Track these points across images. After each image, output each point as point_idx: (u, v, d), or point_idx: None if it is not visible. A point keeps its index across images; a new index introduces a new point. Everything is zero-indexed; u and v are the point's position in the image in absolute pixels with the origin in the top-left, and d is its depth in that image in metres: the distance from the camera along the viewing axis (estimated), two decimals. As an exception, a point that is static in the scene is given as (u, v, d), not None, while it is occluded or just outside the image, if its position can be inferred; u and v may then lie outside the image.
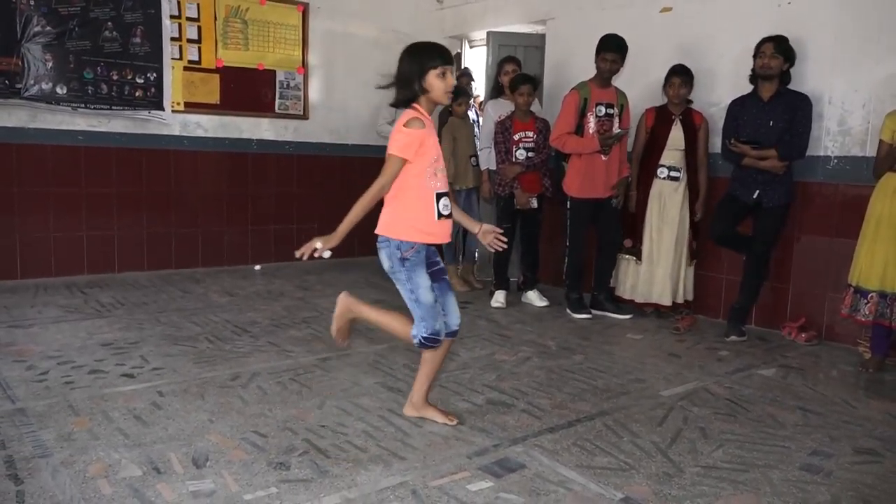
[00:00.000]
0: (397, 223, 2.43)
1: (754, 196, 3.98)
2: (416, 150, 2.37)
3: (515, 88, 4.67)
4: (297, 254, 2.34)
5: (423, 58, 2.39)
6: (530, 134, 4.70)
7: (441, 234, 2.49)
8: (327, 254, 2.35)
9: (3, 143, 4.87)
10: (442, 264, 2.59)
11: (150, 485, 2.10)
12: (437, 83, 2.38)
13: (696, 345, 3.96)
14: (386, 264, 2.49)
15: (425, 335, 2.47)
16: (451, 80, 2.40)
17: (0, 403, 2.70)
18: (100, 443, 2.37)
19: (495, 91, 5.23)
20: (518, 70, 5.03)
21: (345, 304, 2.68)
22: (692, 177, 4.35)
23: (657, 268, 4.39)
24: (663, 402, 3.00)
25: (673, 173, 4.32)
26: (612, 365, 3.51)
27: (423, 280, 2.45)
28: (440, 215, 2.44)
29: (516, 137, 4.70)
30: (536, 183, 4.75)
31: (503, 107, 4.97)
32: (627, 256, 4.52)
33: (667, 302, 4.40)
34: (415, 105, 2.43)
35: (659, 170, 4.34)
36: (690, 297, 4.50)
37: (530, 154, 4.69)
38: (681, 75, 4.23)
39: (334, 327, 2.71)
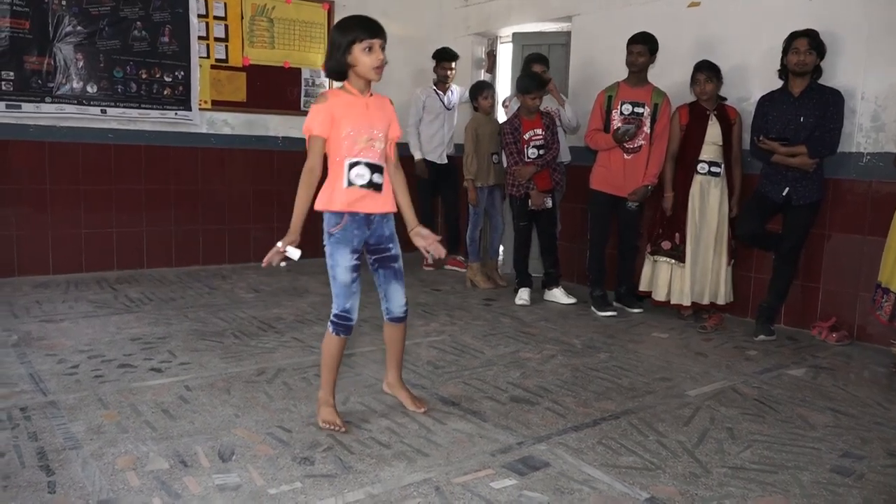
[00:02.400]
0: (322, 194, 2.45)
1: (784, 193, 3.91)
2: (325, 124, 2.37)
3: (528, 92, 4.59)
4: (264, 263, 2.37)
5: (349, 30, 2.35)
6: (539, 131, 4.66)
7: (354, 203, 2.42)
8: (295, 254, 2.36)
9: (35, 142, 4.97)
10: (393, 251, 2.56)
11: (177, 478, 2.13)
12: (363, 58, 2.35)
13: (724, 344, 3.91)
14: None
15: (335, 312, 2.47)
16: (380, 56, 2.35)
17: (33, 396, 2.75)
18: (128, 436, 2.41)
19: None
20: (546, 70, 5.00)
21: (323, 412, 2.57)
22: (729, 173, 4.24)
23: (701, 267, 4.26)
24: (690, 401, 2.96)
25: (714, 168, 4.20)
26: (637, 363, 3.48)
27: (344, 260, 2.45)
28: (349, 183, 2.41)
29: (526, 137, 4.66)
30: (548, 179, 4.73)
31: None
32: (665, 259, 4.34)
33: (706, 301, 4.28)
34: (345, 83, 2.45)
35: (699, 165, 4.21)
36: (731, 299, 4.33)
37: (541, 152, 4.66)
38: (705, 71, 4.14)
39: (322, 420, 2.55)
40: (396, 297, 2.62)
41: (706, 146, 4.20)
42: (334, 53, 2.39)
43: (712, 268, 4.27)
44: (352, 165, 2.41)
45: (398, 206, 2.59)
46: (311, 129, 2.39)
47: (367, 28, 2.35)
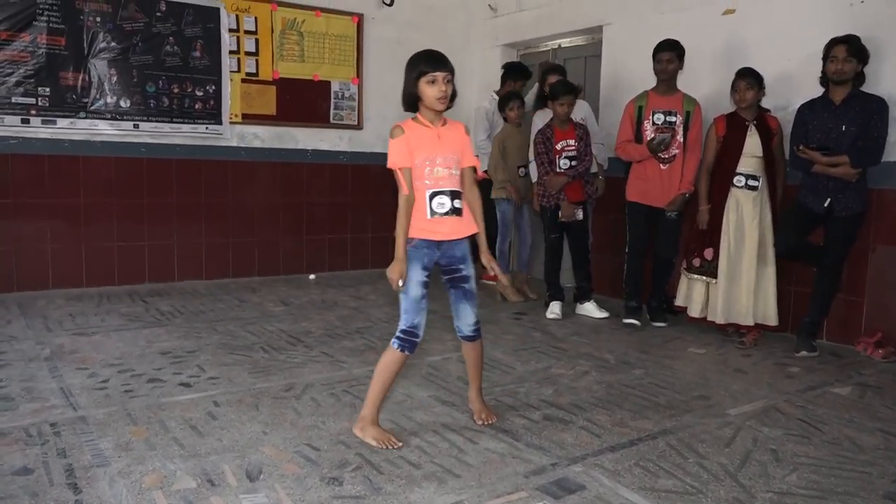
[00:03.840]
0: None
1: (825, 205, 3.78)
2: (406, 154, 2.48)
3: (557, 97, 4.52)
4: (395, 288, 2.49)
5: (415, 66, 2.47)
6: (572, 142, 4.58)
7: (438, 231, 2.52)
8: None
9: (70, 156, 5.03)
10: (464, 272, 2.61)
11: (204, 497, 2.09)
12: (427, 90, 2.45)
13: (764, 360, 3.78)
14: None
15: (403, 328, 2.52)
16: (443, 87, 2.44)
17: (63, 411, 2.75)
18: (156, 453, 2.38)
19: (541, 101, 5.13)
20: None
21: (371, 431, 2.54)
22: (771, 186, 4.05)
23: (737, 285, 4.05)
24: (730, 421, 2.85)
25: (751, 182, 4.00)
26: (674, 380, 3.37)
27: (416, 275, 2.50)
28: (432, 213, 2.50)
29: (558, 147, 4.59)
30: (580, 191, 4.63)
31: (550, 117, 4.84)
32: (697, 276, 4.18)
33: (749, 322, 4.04)
34: (417, 114, 2.55)
35: (736, 178, 4.03)
36: (776, 322, 4.06)
37: (573, 163, 4.58)
38: (746, 78, 3.98)
39: (374, 439, 2.52)
40: (466, 317, 2.65)
41: (744, 158, 4.01)
42: (406, 89, 2.52)
43: (760, 286, 4.03)
44: (432, 196, 2.50)
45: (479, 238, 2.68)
46: (396, 164, 2.49)
47: (430, 62, 2.46)
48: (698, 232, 4.21)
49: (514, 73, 5.48)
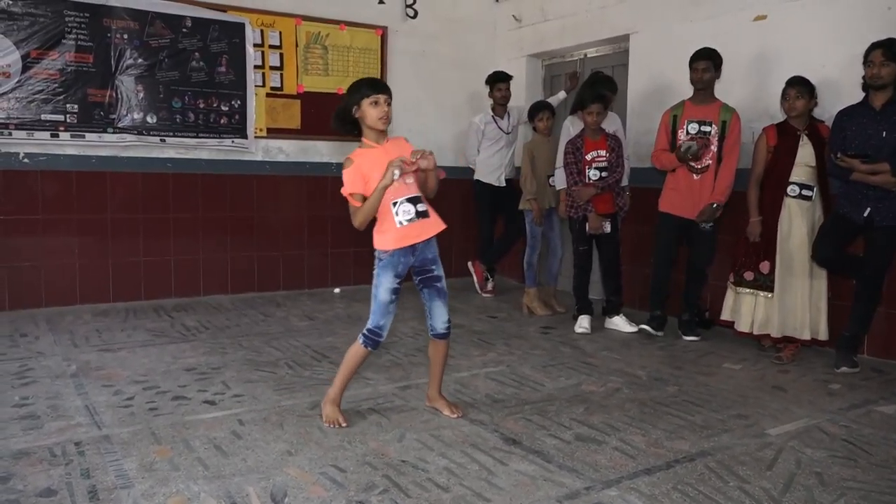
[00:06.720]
0: (378, 237, 2.76)
1: (864, 214, 3.65)
2: (358, 182, 2.65)
3: (585, 106, 4.45)
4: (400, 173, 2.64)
5: (357, 89, 2.70)
6: (602, 153, 4.49)
7: (410, 235, 2.70)
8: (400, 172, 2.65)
9: (98, 172, 5.06)
10: (436, 273, 2.82)
11: (228, 521, 2.04)
12: (370, 110, 2.67)
13: (803, 377, 3.65)
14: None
15: (369, 327, 2.77)
16: (384, 108, 2.66)
17: (87, 430, 2.72)
18: (180, 474, 2.34)
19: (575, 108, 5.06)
20: (611, 94, 4.85)
21: (328, 409, 2.87)
22: (824, 195, 3.92)
23: (791, 297, 3.91)
24: (771, 441, 2.73)
25: (805, 191, 3.88)
26: (710, 398, 3.26)
27: (387, 281, 2.73)
28: (401, 222, 2.69)
29: (588, 157, 4.50)
30: (609, 203, 4.54)
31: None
32: (748, 291, 4.04)
33: (806, 336, 3.90)
34: (362, 139, 2.75)
35: (790, 188, 3.91)
36: (826, 337, 3.93)
37: (603, 174, 4.49)
38: (795, 86, 3.86)
39: (325, 416, 2.86)
40: (440, 314, 2.85)
41: (797, 167, 3.88)
42: (346, 110, 2.70)
43: (811, 300, 3.91)
44: (396, 205, 2.69)
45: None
46: (348, 189, 2.68)
47: (372, 86, 2.69)
48: (749, 245, 4.06)
49: (493, 81, 5.65)
